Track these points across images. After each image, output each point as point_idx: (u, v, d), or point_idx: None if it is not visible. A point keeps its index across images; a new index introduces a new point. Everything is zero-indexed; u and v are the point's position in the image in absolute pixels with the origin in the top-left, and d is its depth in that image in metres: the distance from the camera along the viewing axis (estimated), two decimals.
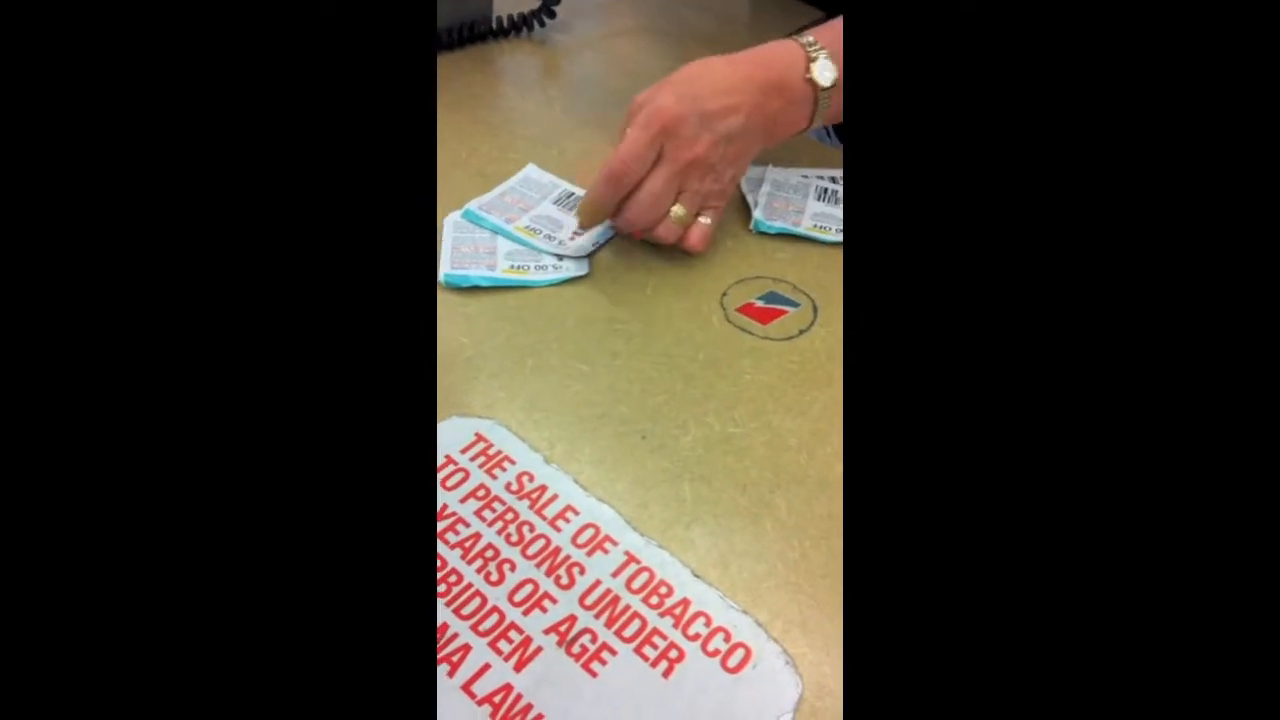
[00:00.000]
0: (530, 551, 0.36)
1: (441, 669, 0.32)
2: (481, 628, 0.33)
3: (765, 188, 0.57)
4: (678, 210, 0.50)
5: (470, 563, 0.35)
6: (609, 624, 0.34)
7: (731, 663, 0.33)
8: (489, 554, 0.36)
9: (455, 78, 0.65)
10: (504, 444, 0.40)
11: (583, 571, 0.35)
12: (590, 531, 0.37)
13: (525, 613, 0.34)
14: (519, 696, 0.31)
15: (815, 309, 0.49)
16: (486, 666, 0.32)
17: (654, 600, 0.35)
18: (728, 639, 0.34)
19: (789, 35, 0.52)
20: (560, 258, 0.51)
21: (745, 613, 0.35)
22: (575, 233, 0.52)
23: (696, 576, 0.36)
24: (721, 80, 0.49)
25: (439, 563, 0.35)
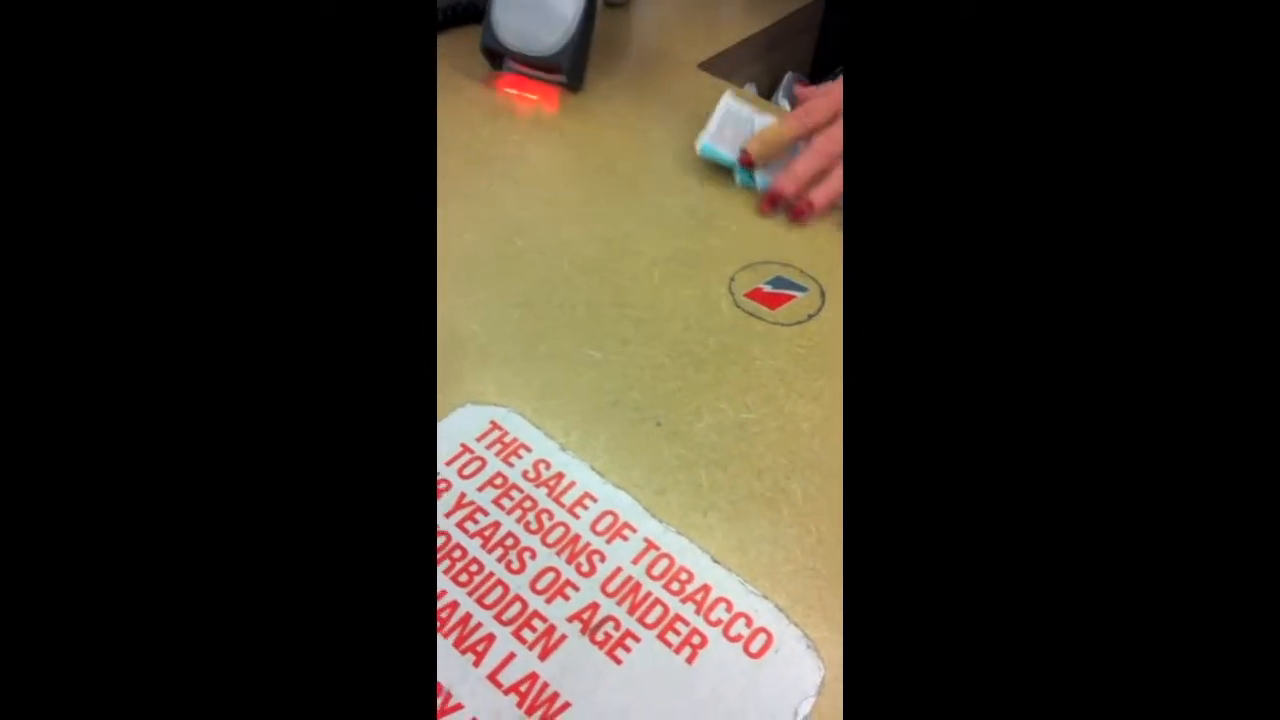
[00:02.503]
0: (550, 539, 0.36)
1: (467, 659, 0.32)
2: (505, 617, 0.33)
3: (720, 113, 0.59)
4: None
5: (490, 551, 0.35)
6: (631, 611, 0.34)
7: (754, 648, 0.33)
8: (509, 542, 0.36)
9: (456, 58, 0.64)
10: (519, 431, 0.40)
11: (603, 559, 0.35)
12: (609, 519, 0.37)
13: (548, 601, 0.34)
14: (545, 685, 0.32)
15: (823, 293, 0.49)
16: (511, 656, 0.32)
17: (675, 587, 0.35)
18: (749, 624, 0.34)
19: None
20: None
21: (765, 598, 0.35)
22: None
23: (716, 562, 0.36)
24: None
25: (459, 552, 0.35)
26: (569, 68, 0.60)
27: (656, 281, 0.50)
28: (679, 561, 0.36)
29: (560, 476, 0.38)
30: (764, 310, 0.48)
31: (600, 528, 0.37)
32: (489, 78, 0.63)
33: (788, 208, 0.54)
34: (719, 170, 0.58)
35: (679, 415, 0.42)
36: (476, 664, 0.32)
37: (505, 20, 0.59)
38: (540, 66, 0.61)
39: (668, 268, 0.51)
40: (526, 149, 0.58)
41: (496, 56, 0.62)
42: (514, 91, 0.62)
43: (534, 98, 0.62)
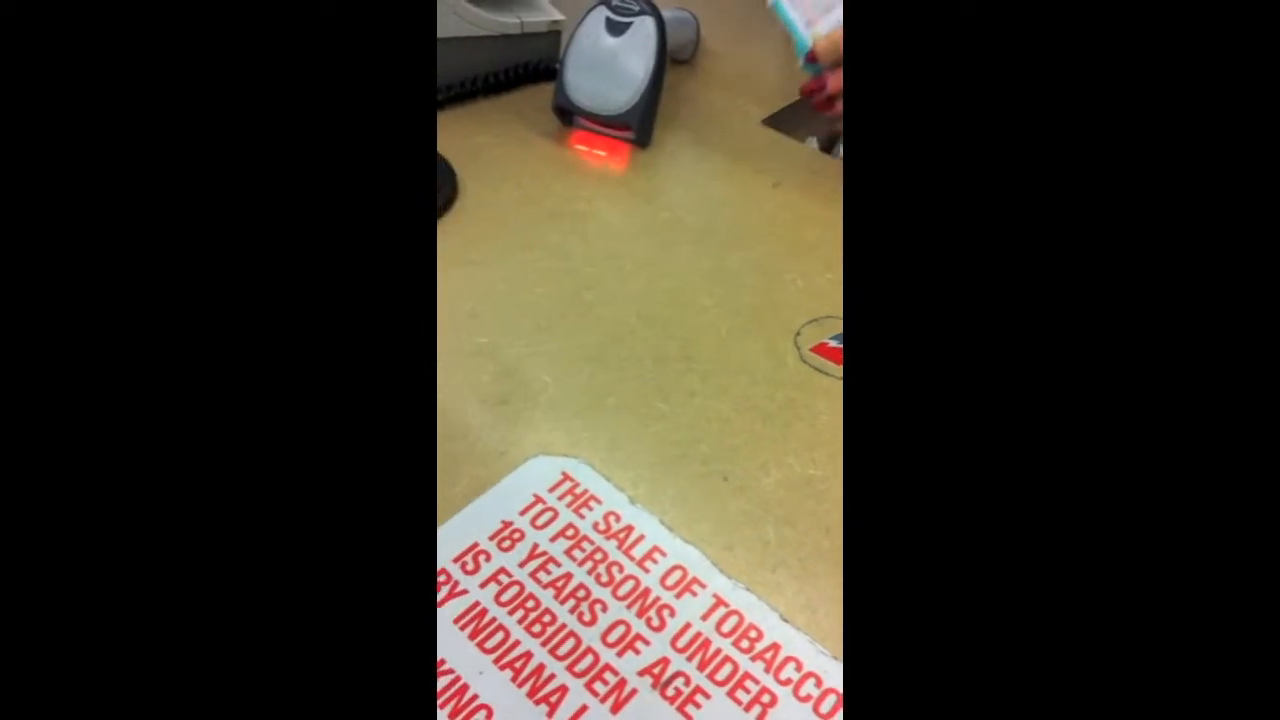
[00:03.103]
0: (621, 592, 0.36)
1: (540, 709, 0.32)
2: (577, 668, 0.34)
3: None
4: None
5: (563, 603, 0.36)
6: (701, 667, 0.34)
7: (824, 708, 0.33)
8: (580, 594, 0.36)
9: (529, 115, 0.67)
10: (590, 483, 0.41)
11: (673, 613, 0.36)
12: (678, 573, 0.37)
13: (619, 654, 0.34)
14: None
15: None
16: (584, 708, 0.32)
17: (744, 644, 0.35)
18: (819, 685, 0.34)
19: None
20: None
21: (835, 659, 0.35)
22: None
23: (785, 620, 0.36)
24: None
25: (533, 602, 0.36)
26: (638, 125, 0.62)
27: (723, 335, 0.50)
28: (748, 619, 0.36)
29: (630, 529, 0.39)
30: (830, 366, 0.49)
31: (670, 582, 0.37)
32: (560, 134, 0.65)
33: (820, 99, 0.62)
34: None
35: (746, 470, 0.43)
36: (550, 715, 0.32)
37: (577, 81, 0.61)
38: (610, 124, 0.63)
39: (733, 322, 0.51)
40: (596, 204, 0.59)
41: (567, 114, 0.64)
42: (584, 148, 0.64)
43: (603, 154, 0.63)
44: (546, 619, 0.35)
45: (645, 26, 0.62)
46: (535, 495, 0.40)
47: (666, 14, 0.64)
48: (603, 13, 0.62)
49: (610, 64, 0.61)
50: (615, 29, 0.62)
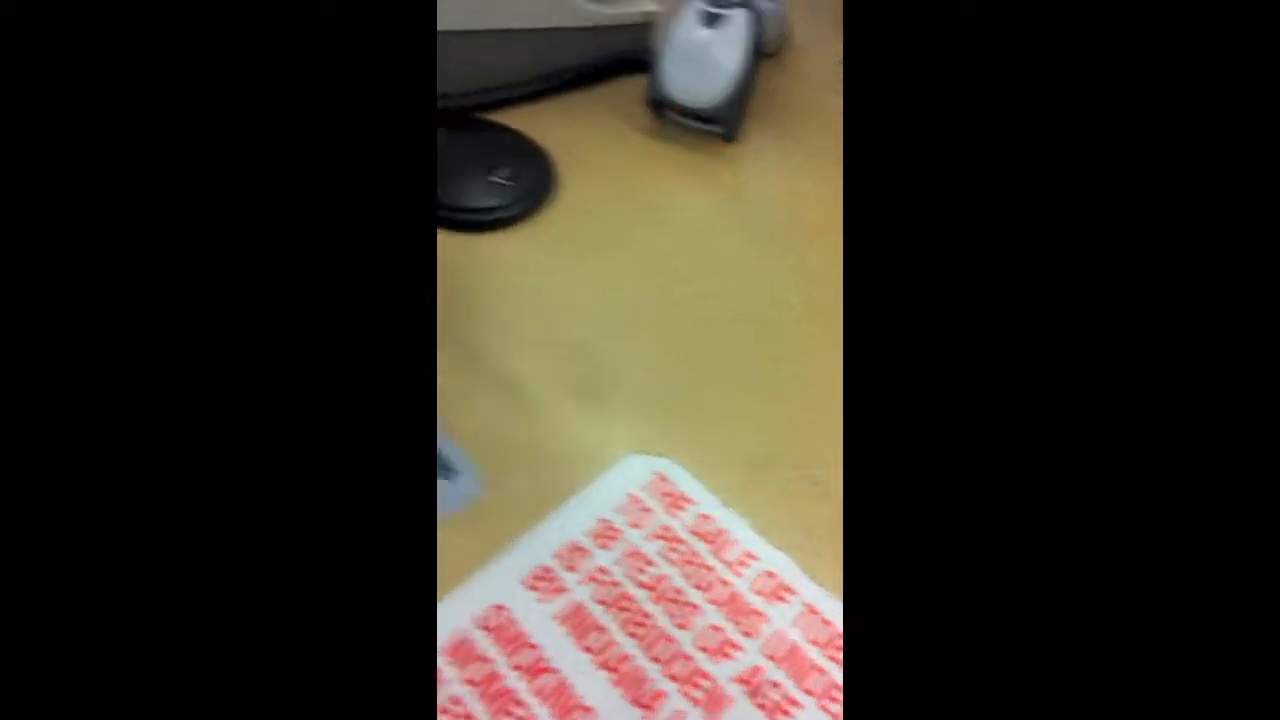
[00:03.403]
0: (714, 596, 0.37)
1: (637, 713, 0.33)
2: (673, 672, 0.34)
3: None
4: None
5: (658, 603, 0.37)
6: (792, 675, 0.35)
7: None
8: (676, 596, 0.37)
9: (622, 108, 0.67)
10: (683, 484, 0.41)
11: (765, 620, 0.36)
12: (770, 579, 0.38)
13: (714, 660, 0.35)
14: None
15: None
16: (681, 714, 0.33)
17: (834, 654, 0.35)
18: None
19: None
20: None
21: None
22: None
23: None
24: None
25: (628, 601, 0.36)
26: (727, 119, 0.62)
27: (809, 334, 0.50)
28: (838, 628, 0.36)
29: (722, 532, 0.39)
30: None
31: (761, 588, 0.38)
32: (652, 128, 0.65)
33: None
34: None
35: (833, 476, 0.43)
36: None
37: (673, 73, 0.61)
38: (700, 118, 0.63)
39: (819, 321, 0.51)
40: (686, 198, 0.59)
41: (661, 107, 0.64)
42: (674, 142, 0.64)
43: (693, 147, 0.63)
44: (644, 620, 0.36)
45: (739, 19, 0.61)
46: (630, 495, 0.40)
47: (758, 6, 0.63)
48: (699, 4, 0.61)
49: (703, 57, 0.61)
50: (710, 20, 0.61)
